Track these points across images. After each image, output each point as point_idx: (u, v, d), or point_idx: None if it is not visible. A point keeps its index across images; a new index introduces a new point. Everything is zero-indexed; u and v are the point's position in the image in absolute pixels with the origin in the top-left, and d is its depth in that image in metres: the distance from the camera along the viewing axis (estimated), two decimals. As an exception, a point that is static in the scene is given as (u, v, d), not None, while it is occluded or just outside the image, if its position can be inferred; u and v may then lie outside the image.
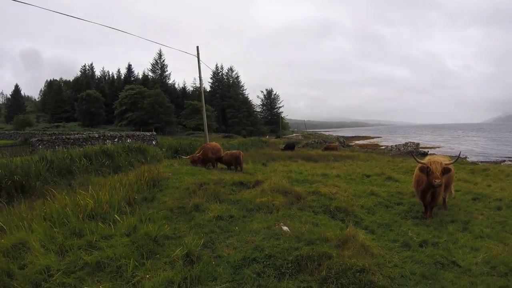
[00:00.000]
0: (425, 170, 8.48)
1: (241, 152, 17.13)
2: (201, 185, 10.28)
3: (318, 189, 10.14)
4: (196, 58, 29.51)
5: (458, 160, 12.16)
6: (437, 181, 8.10)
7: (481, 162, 29.72)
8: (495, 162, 30.41)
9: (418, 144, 45.94)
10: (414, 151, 38.27)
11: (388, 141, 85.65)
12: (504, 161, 31.27)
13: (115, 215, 7.37)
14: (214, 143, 19.48)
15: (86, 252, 5.75)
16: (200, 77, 30.59)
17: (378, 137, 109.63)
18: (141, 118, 79.57)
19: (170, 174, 12.60)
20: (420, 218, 8.89)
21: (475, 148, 58.60)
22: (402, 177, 15.43)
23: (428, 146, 63.20)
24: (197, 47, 29.82)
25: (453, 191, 10.53)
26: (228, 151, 17.95)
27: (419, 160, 8.99)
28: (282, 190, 9.49)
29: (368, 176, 15.40)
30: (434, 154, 15.02)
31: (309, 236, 6.41)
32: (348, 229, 6.72)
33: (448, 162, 8.86)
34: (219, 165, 17.95)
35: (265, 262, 5.53)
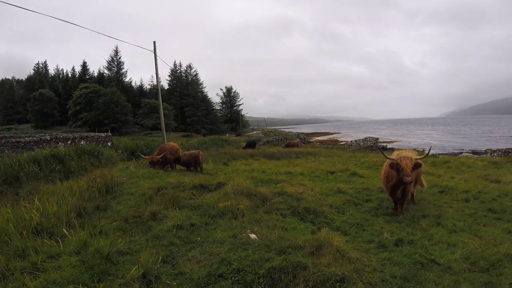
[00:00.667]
0: (395, 167, 8.14)
1: (200, 152, 16.53)
2: (159, 190, 9.65)
3: (284, 189, 9.64)
4: (154, 55, 28.63)
5: (418, 152, 11.96)
6: (408, 178, 7.76)
7: (439, 154, 30.26)
8: (453, 154, 31.01)
9: (377, 138, 46.70)
10: (374, 146, 38.71)
11: (347, 136, 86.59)
12: (461, 153, 32.00)
13: (63, 229, 6.60)
14: (172, 143, 18.83)
15: (30, 276, 5.01)
16: (156, 73, 29.58)
17: (338, 133, 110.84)
18: (97, 119, 76.87)
19: (125, 178, 11.88)
20: (390, 214, 8.59)
21: (432, 141, 60.02)
22: (366, 172, 15.42)
23: (386, 140, 64.34)
24: (154, 42, 29.09)
25: (425, 184, 10.33)
26: (187, 151, 17.28)
27: (388, 156, 8.62)
28: (247, 192, 8.92)
29: (332, 172, 15.16)
30: (400, 149, 14.96)
31: (280, 244, 5.87)
32: (321, 233, 6.26)
33: (418, 157, 8.53)
34: (178, 166, 17.29)
35: (233, 278, 4.97)
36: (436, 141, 63.30)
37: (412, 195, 9.63)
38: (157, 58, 28.67)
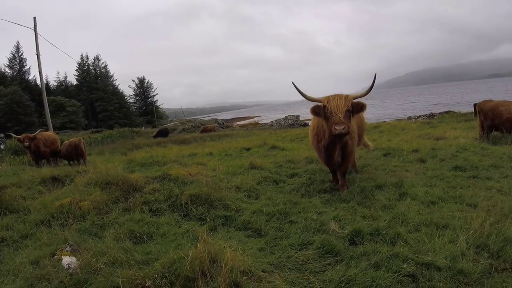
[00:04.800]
0: (322, 112, 5.15)
1: (82, 140, 12.89)
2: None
3: (168, 171, 6.36)
4: (34, 33, 24.43)
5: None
6: (340, 127, 4.82)
7: (364, 124, 28.54)
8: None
9: (298, 116, 44.77)
10: (296, 123, 36.76)
11: (268, 118, 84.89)
12: (385, 121, 30.64)
13: None
14: (49, 132, 15.40)
15: None
16: (37, 54, 24.90)
17: (258, 116, 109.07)
18: (-2, 122, 68.50)
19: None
20: (330, 191, 5.75)
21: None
22: (288, 145, 12.89)
23: (308, 118, 62.91)
24: (34, 18, 24.92)
25: (369, 143, 7.70)
26: (67, 141, 13.49)
27: (311, 97, 5.47)
28: (104, 180, 5.62)
29: (248, 149, 12.53)
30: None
31: (106, 280, 2.74)
32: (200, 243, 3.14)
33: (357, 95, 5.46)
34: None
35: None
36: (357, 114, 63.16)
37: (354, 160, 6.73)
38: (39, 36, 24.78)
